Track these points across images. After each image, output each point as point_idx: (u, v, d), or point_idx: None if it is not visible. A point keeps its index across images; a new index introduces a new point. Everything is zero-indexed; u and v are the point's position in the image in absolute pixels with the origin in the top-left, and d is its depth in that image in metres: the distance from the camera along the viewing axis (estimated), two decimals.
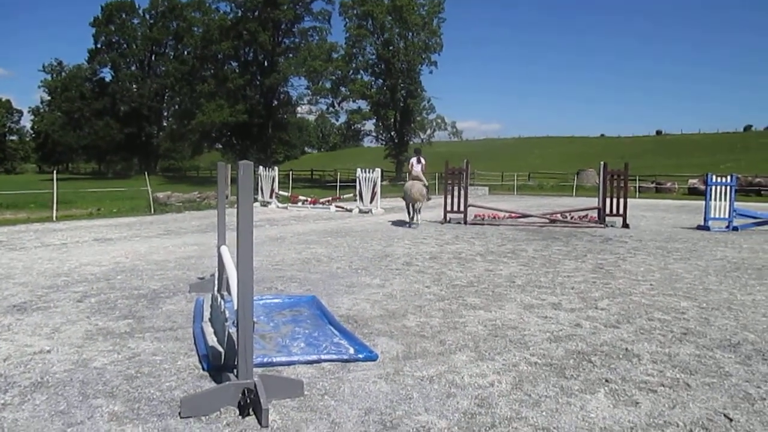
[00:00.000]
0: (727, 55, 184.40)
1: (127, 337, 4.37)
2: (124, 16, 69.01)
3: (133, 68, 71.51)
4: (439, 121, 50.70)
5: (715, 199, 13.13)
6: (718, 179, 13.35)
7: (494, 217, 14.73)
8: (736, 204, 13.44)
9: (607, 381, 3.56)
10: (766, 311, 5.36)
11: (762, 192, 30.73)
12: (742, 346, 4.29)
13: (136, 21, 70.75)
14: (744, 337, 4.52)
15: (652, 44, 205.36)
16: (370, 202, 17.66)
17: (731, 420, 3.02)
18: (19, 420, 2.93)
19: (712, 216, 13.06)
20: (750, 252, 9.43)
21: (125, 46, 70.35)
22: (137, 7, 70.16)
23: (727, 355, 4.07)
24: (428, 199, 13.66)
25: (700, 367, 3.81)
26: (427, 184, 13.50)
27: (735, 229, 12.84)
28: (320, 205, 19.64)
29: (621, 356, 4.03)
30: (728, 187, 13.12)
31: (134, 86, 70.26)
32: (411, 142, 49.59)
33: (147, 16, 70.90)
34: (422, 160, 13.77)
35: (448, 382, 3.51)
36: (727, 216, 13.02)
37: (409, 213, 13.52)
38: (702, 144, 70.40)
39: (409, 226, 13.14)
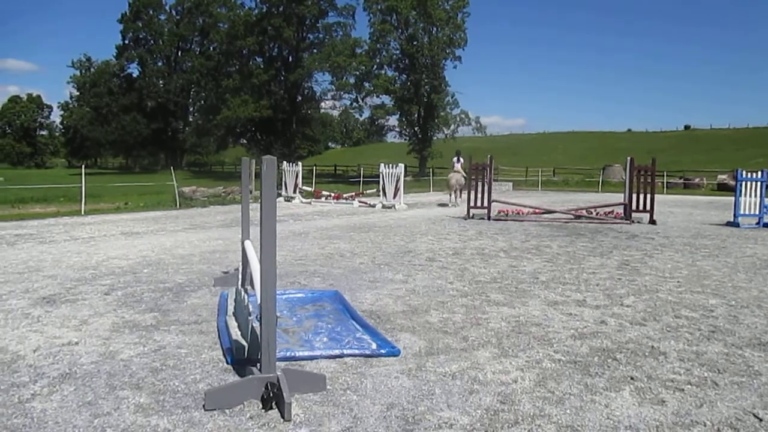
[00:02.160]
0: (757, 48, 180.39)
1: (152, 329, 4.42)
2: (151, 12, 69.93)
3: (160, 64, 72.46)
4: (463, 116, 50.51)
5: (745, 195, 12.89)
6: (749, 175, 13.10)
7: (518, 213, 14.62)
8: (767, 200, 13.17)
9: (632, 379, 3.51)
10: None
11: None
12: None
13: (162, 17, 71.68)
14: None
15: (681, 39, 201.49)
16: (393, 198, 17.63)
17: (761, 420, 2.96)
18: (48, 410, 2.98)
19: (741, 212, 12.82)
20: None
21: (152, 42, 71.30)
22: (164, 3, 71.00)
23: (757, 354, 3.99)
24: (465, 188, 17.29)
25: (728, 366, 3.74)
26: (465, 176, 17.36)
27: (766, 225, 12.59)
28: (343, 201, 19.68)
29: (647, 354, 3.97)
30: (759, 183, 12.86)
31: (161, 82, 71.18)
32: (434, 138, 49.54)
33: (174, 12, 71.78)
34: (461, 159, 18.85)
35: (471, 379, 3.49)
36: (757, 212, 12.77)
37: (450, 196, 19.37)
38: (732, 139, 68.99)
39: (449, 206, 18.20)
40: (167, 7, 71.50)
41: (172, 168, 24.45)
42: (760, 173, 13.09)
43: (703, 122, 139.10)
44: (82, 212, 14.80)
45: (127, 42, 71.57)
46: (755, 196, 12.83)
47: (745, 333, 4.49)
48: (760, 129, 74.97)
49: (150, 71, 70.70)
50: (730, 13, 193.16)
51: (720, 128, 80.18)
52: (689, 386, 3.40)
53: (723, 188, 30.57)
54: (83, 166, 19.23)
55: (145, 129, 68.54)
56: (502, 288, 6.06)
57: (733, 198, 13.51)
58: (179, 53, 72.87)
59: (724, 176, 33.18)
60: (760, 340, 4.32)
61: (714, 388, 3.37)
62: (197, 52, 71.06)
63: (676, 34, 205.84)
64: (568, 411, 3.05)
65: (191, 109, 75.51)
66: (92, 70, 79.03)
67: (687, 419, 2.96)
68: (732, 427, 2.88)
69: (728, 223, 13.07)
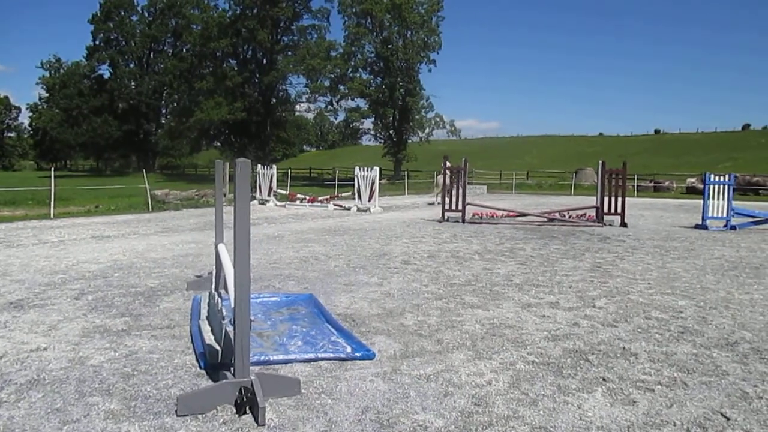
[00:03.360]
0: (726, 54, 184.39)
1: (124, 335, 4.36)
2: (122, 13, 69.00)
3: (132, 65, 71.52)
4: (438, 119, 50.83)
5: (713, 198, 13.12)
6: (717, 178, 13.35)
7: (492, 216, 14.72)
8: (734, 203, 13.43)
9: (604, 380, 3.55)
10: (763, 310, 5.36)
11: (760, 191, 30.74)
12: (739, 344, 4.30)
13: (134, 18, 70.77)
14: (741, 335, 4.52)
15: (651, 44, 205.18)
16: (369, 201, 17.64)
17: (728, 419, 3.02)
18: (15, 417, 2.92)
19: (710, 215, 13.06)
20: (748, 251, 9.44)
21: (124, 43, 70.36)
22: (136, 4, 70.12)
23: (725, 354, 4.07)
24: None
25: (697, 366, 3.81)
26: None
27: (733, 228, 12.85)
28: (318, 204, 19.62)
29: (618, 355, 4.03)
30: (726, 186, 13.12)
31: (132, 83, 70.25)
32: (409, 141, 49.73)
33: (146, 14, 70.92)
34: (449, 163, 18.67)
35: (446, 381, 3.50)
36: (725, 215, 13.03)
37: (436, 196, 20.44)
38: (700, 143, 70.42)
39: (436, 204, 18.42)
40: (139, 8, 70.67)
41: (144, 171, 24.13)
42: (727, 177, 13.35)
43: (672, 127, 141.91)
44: (52, 215, 14.52)
45: (97, 43, 70.47)
46: (723, 199, 13.08)
47: (713, 334, 4.58)
48: (727, 133, 76.70)
49: (121, 72, 69.72)
50: (698, 21, 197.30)
51: (689, 132, 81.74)
52: (659, 386, 3.45)
53: (692, 191, 31.17)
54: (53, 168, 18.87)
55: (116, 131, 67.56)
56: (477, 291, 6.10)
57: (701, 201, 13.75)
58: (151, 54, 71.99)
59: (692, 180, 33.84)
60: (728, 340, 4.41)
61: (683, 388, 3.43)
62: (170, 54, 70.25)
63: (647, 38, 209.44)
64: (541, 412, 3.08)
65: (164, 111, 74.61)
66: (62, 71, 77.66)
67: (657, 419, 3.01)
68: (701, 426, 2.93)
69: (697, 226, 13.31)
